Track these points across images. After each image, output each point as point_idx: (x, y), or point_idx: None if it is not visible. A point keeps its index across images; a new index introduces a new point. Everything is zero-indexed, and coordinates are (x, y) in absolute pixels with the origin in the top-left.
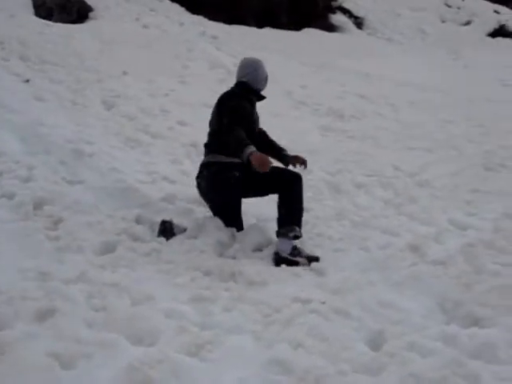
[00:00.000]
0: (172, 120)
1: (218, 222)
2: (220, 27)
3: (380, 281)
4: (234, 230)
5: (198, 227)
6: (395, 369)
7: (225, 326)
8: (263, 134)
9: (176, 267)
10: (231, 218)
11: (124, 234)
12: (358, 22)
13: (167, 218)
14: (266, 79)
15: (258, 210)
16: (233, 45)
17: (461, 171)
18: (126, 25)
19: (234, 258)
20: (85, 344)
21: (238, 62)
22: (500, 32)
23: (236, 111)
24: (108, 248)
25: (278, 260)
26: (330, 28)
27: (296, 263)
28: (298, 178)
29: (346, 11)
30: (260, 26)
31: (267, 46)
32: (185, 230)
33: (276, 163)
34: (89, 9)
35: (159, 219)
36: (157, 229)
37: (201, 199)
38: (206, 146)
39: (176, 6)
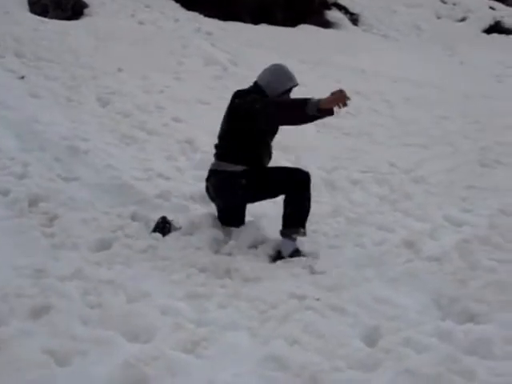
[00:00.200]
0: (167, 116)
1: (214, 219)
2: (215, 23)
3: (375, 277)
4: (229, 227)
5: (194, 224)
6: (391, 365)
7: (220, 322)
8: None
9: (172, 264)
10: (234, 221)
11: (119, 230)
12: (354, 19)
13: (165, 216)
14: (278, 88)
15: (254, 207)
16: (228, 41)
17: (456, 167)
18: (121, 21)
19: (229, 254)
20: (80, 341)
21: (233, 58)
22: (495, 28)
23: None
24: (103, 245)
25: (277, 259)
26: (326, 24)
27: None
28: (307, 178)
29: (341, 7)
30: (255, 22)
31: (262, 42)
32: (180, 228)
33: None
34: (84, 5)
35: (155, 216)
36: (152, 225)
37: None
38: (217, 148)
39: (171, 2)
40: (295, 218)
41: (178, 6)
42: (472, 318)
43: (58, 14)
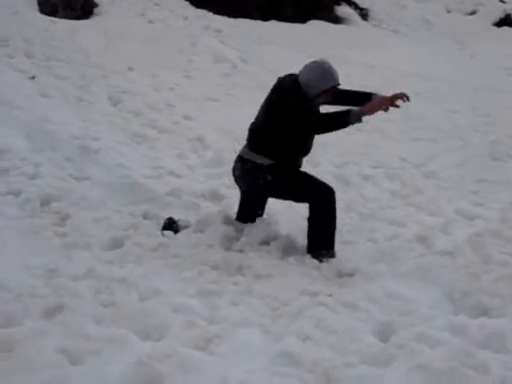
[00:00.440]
0: (177, 114)
1: (225, 216)
2: (224, 21)
3: (387, 272)
4: (241, 223)
5: (205, 222)
6: (404, 360)
7: (232, 319)
8: (343, 92)
9: (183, 261)
10: (253, 210)
11: (131, 229)
12: (364, 14)
13: (171, 217)
14: (318, 87)
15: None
16: (237, 38)
17: (467, 161)
18: (131, 20)
19: (241, 251)
20: (93, 340)
21: (242, 55)
22: (506, 21)
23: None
24: (115, 243)
25: None
26: (336, 20)
27: None
28: (331, 194)
29: (351, 3)
30: (265, 19)
31: (272, 39)
32: (187, 227)
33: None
34: (93, 4)
35: (166, 214)
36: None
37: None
38: (249, 135)
39: (180, 0)
40: (321, 240)
41: (187, 3)
42: (485, 311)
43: (68, 13)
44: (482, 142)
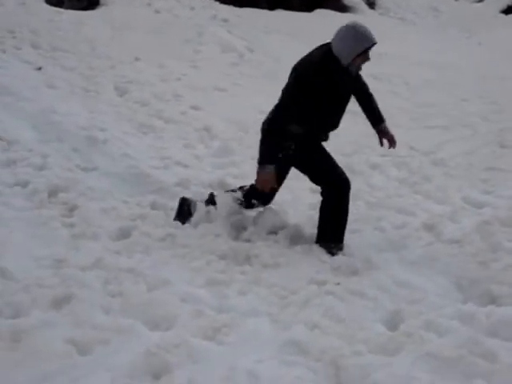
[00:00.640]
0: (185, 105)
1: (233, 205)
2: (231, 10)
3: (396, 261)
4: (249, 212)
5: (213, 211)
6: (412, 348)
7: (241, 309)
8: (367, 97)
9: (191, 251)
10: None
11: (139, 219)
12: (371, 2)
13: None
14: (351, 53)
15: None
16: (244, 28)
17: (476, 149)
18: (137, 10)
19: (248, 241)
20: (102, 330)
21: (249, 44)
22: None
23: (300, 88)
24: (123, 234)
25: None
26: (342, 9)
27: None
28: (346, 185)
29: None
30: (271, 7)
31: (279, 28)
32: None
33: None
34: None
35: (174, 204)
36: (172, 214)
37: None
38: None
39: None
40: (330, 232)
41: None
42: (493, 300)
43: (74, 4)
44: (491, 130)
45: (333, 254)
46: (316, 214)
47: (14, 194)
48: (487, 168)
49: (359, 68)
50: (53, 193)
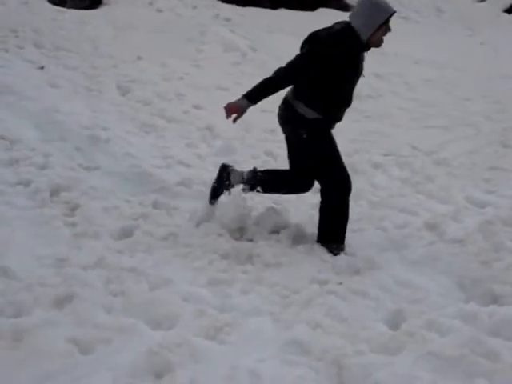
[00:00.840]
0: (187, 104)
1: (236, 205)
2: (233, 9)
3: (398, 260)
4: (251, 212)
5: (215, 211)
6: (414, 348)
7: (243, 308)
8: None
9: (193, 251)
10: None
11: (141, 218)
12: None
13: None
14: (372, 26)
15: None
16: (247, 27)
17: (479, 149)
18: (140, 9)
19: (251, 240)
20: (104, 329)
21: (252, 44)
22: None
23: (320, 61)
24: (125, 233)
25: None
26: (345, 8)
27: None
28: (349, 187)
29: None
30: (274, 7)
31: (282, 27)
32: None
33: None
34: None
35: (176, 203)
36: (175, 213)
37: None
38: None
39: None
40: (331, 233)
41: None
42: (496, 299)
43: (77, 3)
44: (494, 130)
45: (335, 254)
46: (318, 214)
47: (17, 193)
48: (490, 167)
49: (381, 41)
50: (55, 192)
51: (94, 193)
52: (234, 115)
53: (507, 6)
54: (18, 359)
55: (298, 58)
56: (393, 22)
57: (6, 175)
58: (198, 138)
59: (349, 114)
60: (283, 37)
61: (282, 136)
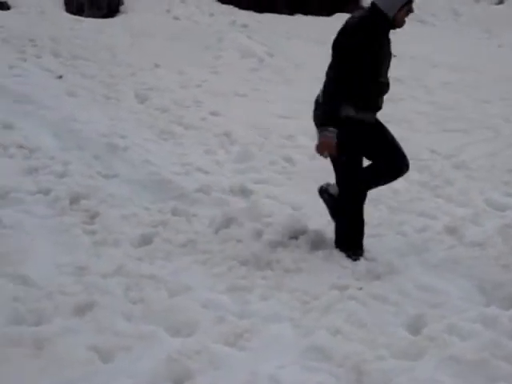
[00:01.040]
0: (205, 111)
1: (254, 211)
2: (250, 16)
3: (418, 265)
4: (269, 218)
5: (234, 217)
6: (435, 352)
7: (262, 314)
8: None
9: (212, 257)
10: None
11: (160, 225)
12: None
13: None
14: (395, 4)
15: (292, 198)
16: (264, 33)
17: (498, 151)
18: (157, 17)
19: (270, 246)
20: (123, 336)
21: (269, 50)
22: None
23: (344, 53)
24: (144, 240)
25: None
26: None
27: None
28: (356, 192)
29: None
30: (291, 12)
31: (299, 33)
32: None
33: None
34: (119, 2)
35: (195, 210)
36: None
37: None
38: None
39: None
40: (347, 238)
41: None
42: None
43: (94, 12)
44: None
45: (354, 259)
46: None
47: (36, 201)
48: (509, 170)
49: (403, 22)
50: (74, 200)
51: (112, 200)
52: (327, 151)
53: None
54: (39, 367)
55: (331, 67)
56: (410, 25)
57: (25, 184)
58: (216, 144)
59: None
60: (300, 42)
61: (300, 142)
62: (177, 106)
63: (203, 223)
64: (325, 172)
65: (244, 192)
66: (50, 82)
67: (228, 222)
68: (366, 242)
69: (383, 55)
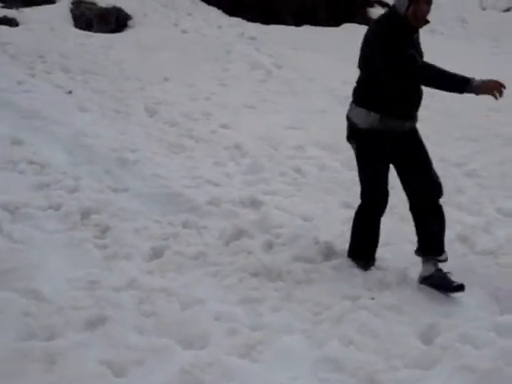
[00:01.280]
0: (214, 123)
1: (265, 222)
2: (258, 28)
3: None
4: (279, 230)
5: (244, 229)
6: (448, 361)
7: (274, 325)
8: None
9: (223, 269)
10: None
11: (171, 238)
12: None
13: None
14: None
15: (302, 209)
16: (271, 45)
17: (508, 159)
18: (165, 31)
19: (280, 257)
20: (136, 350)
21: (276, 61)
22: None
23: (387, 53)
24: (156, 253)
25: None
26: (369, 22)
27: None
28: (373, 202)
29: (384, 4)
30: (298, 24)
31: (306, 43)
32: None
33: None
34: (127, 17)
35: (206, 223)
36: (204, 232)
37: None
38: (354, 88)
39: (213, 9)
40: (359, 249)
41: (220, 12)
42: None
43: (103, 27)
44: None
45: (365, 269)
46: (348, 230)
47: (48, 216)
48: None
49: (420, 17)
50: (85, 215)
51: (123, 214)
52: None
53: None
54: (51, 382)
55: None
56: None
57: (36, 199)
58: (226, 156)
59: None
60: (308, 53)
61: (310, 153)
62: (186, 119)
63: (214, 235)
64: (333, 183)
65: (254, 204)
66: (60, 98)
67: (238, 233)
68: (378, 251)
69: (408, 57)
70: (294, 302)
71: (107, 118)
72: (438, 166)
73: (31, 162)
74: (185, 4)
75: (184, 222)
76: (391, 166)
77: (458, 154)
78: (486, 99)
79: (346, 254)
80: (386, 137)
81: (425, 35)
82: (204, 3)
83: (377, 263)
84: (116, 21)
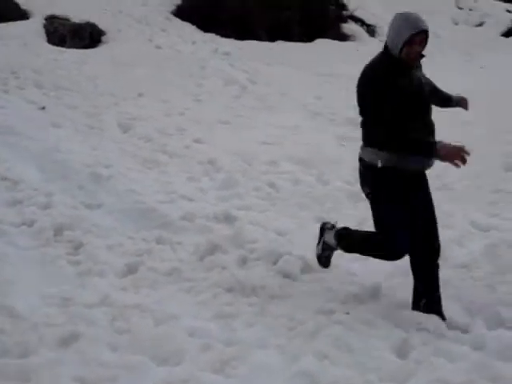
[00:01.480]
0: (188, 138)
1: (239, 237)
2: (232, 43)
3: (404, 287)
4: (254, 245)
5: (218, 244)
6: (423, 375)
7: (249, 341)
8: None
9: (197, 285)
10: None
11: (145, 254)
12: (371, 30)
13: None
14: (398, 43)
15: (276, 224)
16: (246, 60)
17: (482, 173)
18: (139, 46)
19: (254, 272)
20: (110, 367)
21: (251, 77)
22: None
23: (377, 101)
24: (130, 269)
25: None
26: (343, 37)
27: None
28: (389, 252)
29: (357, 20)
30: (272, 39)
31: (280, 59)
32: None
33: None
34: (101, 33)
35: (179, 238)
36: (179, 248)
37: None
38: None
39: (187, 24)
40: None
41: (194, 28)
42: (502, 323)
43: (76, 42)
44: (497, 153)
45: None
46: None
47: (21, 232)
48: (493, 191)
49: (411, 59)
50: (58, 231)
51: (97, 231)
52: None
53: (505, 29)
54: None
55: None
56: None
57: (9, 216)
58: (200, 171)
59: (350, 143)
60: (282, 68)
61: (284, 168)
62: (160, 135)
63: (188, 251)
64: (307, 198)
65: (228, 219)
66: (34, 114)
67: (212, 249)
68: (352, 265)
69: (409, 95)
70: (268, 316)
71: (81, 134)
72: None
73: (4, 178)
74: (159, 20)
75: (158, 238)
76: None
77: (432, 168)
78: (460, 112)
79: (321, 270)
80: (402, 174)
81: None
82: (178, 19)
83: (351, 277)
84: (90, 36)
